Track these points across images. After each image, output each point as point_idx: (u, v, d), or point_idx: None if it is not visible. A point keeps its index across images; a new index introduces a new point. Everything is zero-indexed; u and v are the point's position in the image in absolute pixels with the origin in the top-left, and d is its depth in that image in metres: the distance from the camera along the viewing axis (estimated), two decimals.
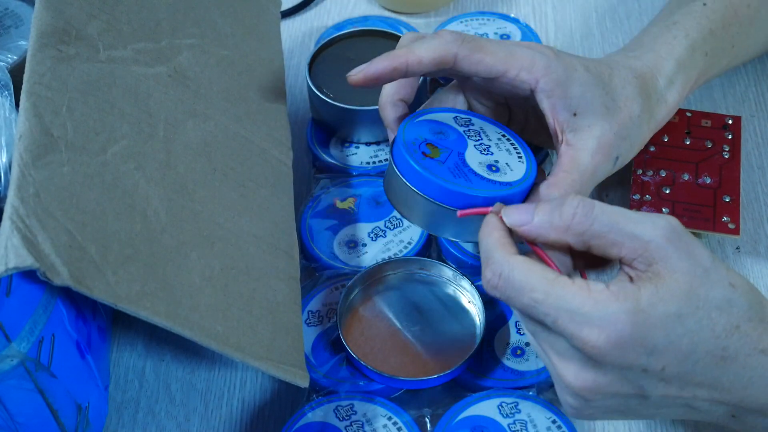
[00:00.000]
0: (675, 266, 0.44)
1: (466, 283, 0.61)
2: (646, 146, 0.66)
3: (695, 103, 0.74)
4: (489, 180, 0.54)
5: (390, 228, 0.66)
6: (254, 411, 0.60)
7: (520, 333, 0.60)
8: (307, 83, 0.71)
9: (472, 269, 0.63)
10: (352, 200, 0.68)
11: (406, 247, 0.64)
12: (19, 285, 0.48)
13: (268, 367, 0.52)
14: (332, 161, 0.70)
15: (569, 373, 0.45)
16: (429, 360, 0.58)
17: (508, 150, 0.56)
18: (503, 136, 0.58)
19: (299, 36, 0.84)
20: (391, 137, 0.58)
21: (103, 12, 0.58)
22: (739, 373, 0.44)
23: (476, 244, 0.54)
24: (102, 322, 0.60)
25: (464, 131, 0.56)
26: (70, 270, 0.45)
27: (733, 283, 0.45)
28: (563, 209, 0.46)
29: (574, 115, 0.55)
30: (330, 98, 0.69)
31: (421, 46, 0.55)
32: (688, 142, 0.67)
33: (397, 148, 0.55)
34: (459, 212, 0.51)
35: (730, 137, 0.67)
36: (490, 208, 0.49)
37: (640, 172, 0.65)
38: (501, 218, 0.48)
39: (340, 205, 0.68)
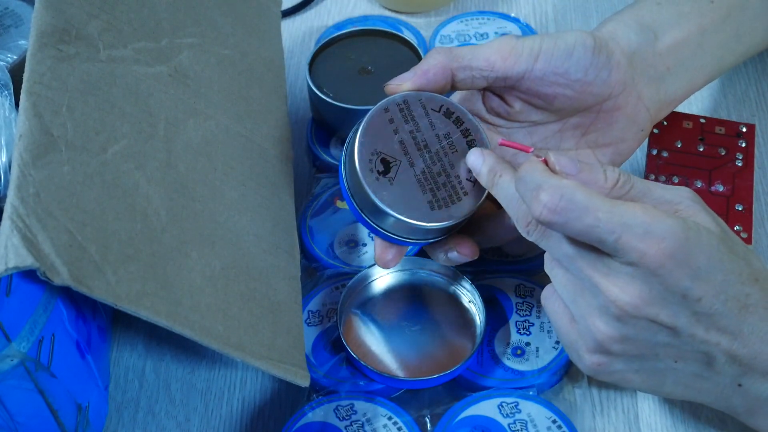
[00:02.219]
0: (704, 219, 0.47)
1: (466, 282, 0.61)
2: (659, 151, 0.66)
3: (696, 103, 0.74)
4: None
5: None
6: (254, 411, 0.60)
7: (520, 333, 0.60)
8: (308, 83, 0.71)
9: (472, 266, 0.63)
10: None
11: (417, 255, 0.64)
12: (19, 285, 0.48)
13: (269, 367, 0.52)
14: (332, 161, 0.70)
15: (615, 289, 0.46)
16: (429, 360, 0.58)
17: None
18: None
19: (299, 36, 0.84)
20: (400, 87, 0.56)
21: (103, 11, 0.58)
22: (757, 325, 0.47)
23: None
24: (102, 322, 0.60)
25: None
26: (70, 270, 0.45)
27: (743, 244, 0.48)
28: (608, 174, 0.48)
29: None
30: (330, 98, 0.69)
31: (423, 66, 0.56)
32: (701, 149, 0.67)
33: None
34: (500, 141, 0.53)
35: (743, 145, 0.67)
36: (531, 148, 0.51)
37: (652, 177, 0.65)
38: (544, 161, 0.48)
39: (340, 204, 0.67)
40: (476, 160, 0.53)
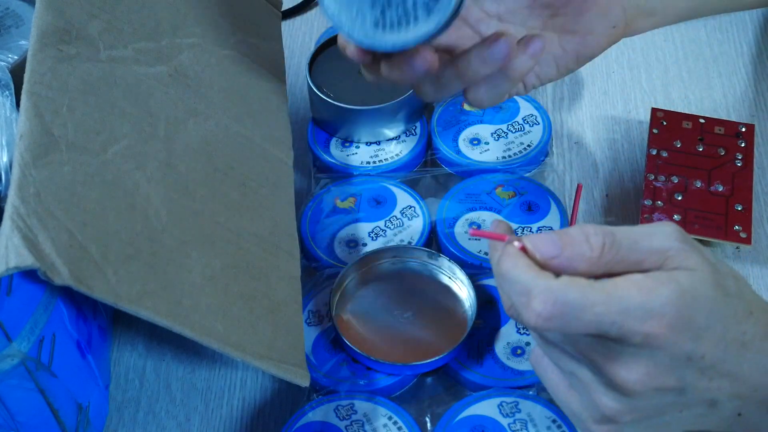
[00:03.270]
0: (695, 262, 0.44)
1: (454, 267, 0.62)
2: (658, 152, 0.66)
3: (695, 103, 0.75)
4: None
5: (390, 227, 0.66)
6: (255, 410, 0.60)
7: (520, 333, 0.60)
8: (308, 83, 0.71)
9: (471, 268, 0.63)
10: (352, 200, 0.68)
11: (401, 242, 0.64)
12: (19, 284, 0.48)
13: (269, 367, 0.52)
14: (332, 161, 0.70)
15: (622, 371, 0.44)
16: (423, 345, 0.59)
17: None
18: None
19: (299, 36, 0.84)
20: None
21: (103, 12, 0.58)
22: (755, 359, 0.45)
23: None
24: (102, 322, 0.60)
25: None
26: (71, 269, 0.45)
27: (735, 275, 0.46)
28: (592, 241, 0.44)
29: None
30: (330, 98, 0.69)
31: None
32: (701, 149, 0.67)
33: None
34: (471, 231, 0.48)
35: (743, 145, 0.67)
36: (506, 236, 0.45)
37: (652, 177, 0.65)
38: (521, 248, 0.45)
39: (340, 204, 0.68)
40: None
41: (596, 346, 0.44)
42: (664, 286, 0.43)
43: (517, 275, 0.44)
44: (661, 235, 0.45)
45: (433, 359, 0.57)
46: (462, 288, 0.61)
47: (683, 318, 0.43)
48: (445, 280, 0.62)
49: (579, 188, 0.52)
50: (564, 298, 0.42)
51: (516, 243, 0.45)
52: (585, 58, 0.57)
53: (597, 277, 0.45)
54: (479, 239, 0.64)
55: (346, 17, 0.50)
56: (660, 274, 0.44)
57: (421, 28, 0.49)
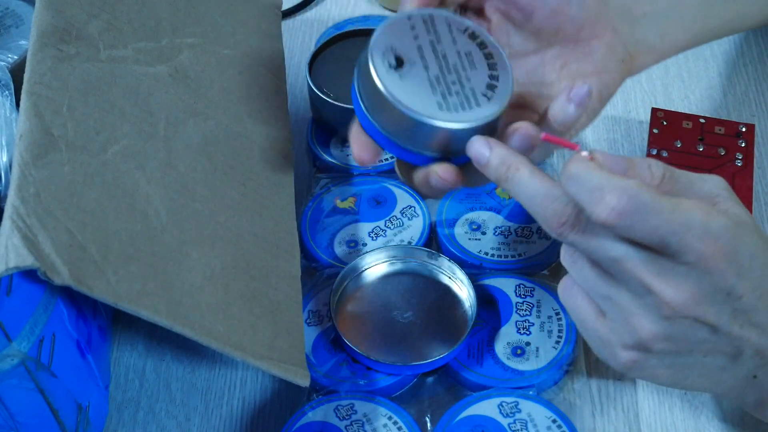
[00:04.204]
0: (740, 211, 0.47)
1: (455, 268, 0.62)
2: (659, 151, 0.66)
3: (695, 103, 0.75)
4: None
5: (390, 227, 0.66)
6: (255, 410, 0.60)
7: (520, 333, 0.60)
8: (308, 83, 0.71)
9: (471, 268, 0.63)
10: (352, 200, 0.68)
11: (401, 243, 0.64)
12: (19, 284, 0.48)
13: (269, 367, 0.52)
14: (332, 161, 0.70)
15: (670, 289, 0.45)
16: (422, 346, 0.59)
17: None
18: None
19: (299, 35, 0.84)
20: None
21: (103, 11, 0.58)
22: None
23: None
24: (102, 322, 0.60)
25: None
26: (71, 269, 0.45)
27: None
28: (653, 170, 0.47)
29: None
30: (330, 98, 0.69)
31: None
32: (701, 149, 0.67)
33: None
34: (543, 135, 0.50)
35: (743, 145, 0.67)
36: (578, 145, 0.48)
37: None
38: (591, 158, 0.46)
39: (340, 204, 0.68)
40: (481, 148, 0.50)
41: (648, 264, 0.45)
42: (723, 217, 0.45)
43: (588, 174, 0.45)
44: (711, 182, 0.47)
45: (433, 359, 0.57)
46: (462, 288, 0.61)
47: (733, 249, 0.44)
48: (445, 280, 0.62)
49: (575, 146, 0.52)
50: (638, 196, 0.43)
51: (585, 153, 0.46)
52: (606, 96, 0.58)
53: None
54: (479, 239, 0.64)
55: (410, 103, 0.50)
56: (710, 203, 0.46)
57: (484, 110, 0.51)
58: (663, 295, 0.45)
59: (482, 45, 0.53)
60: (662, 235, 0.44)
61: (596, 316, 0.48)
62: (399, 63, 0.51)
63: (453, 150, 0.51)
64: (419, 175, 0.53)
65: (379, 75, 0.50)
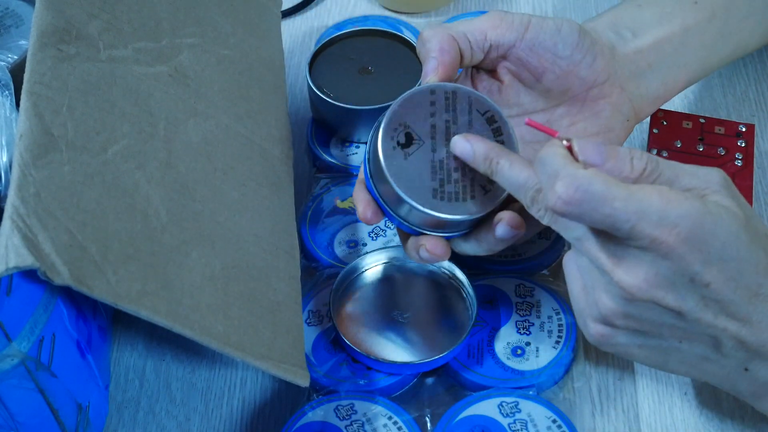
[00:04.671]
0: (730, 203, 0.46)
1: (454, 269, 0.62)
2: (659, 151, 0.66)
3: (695, 103, 0.74)
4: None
5: (390, 227, 0.66)
6: (255, 410, 0.60)
7: (520, 333, 0.60)
8: (308, 83, 0.71)
9: (471, 268, 0.63)
10: (352, 200, 0.68)
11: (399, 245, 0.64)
12: (19, 284, 0.48)
13: (269, 367, 0.52)
14: (332, 161, 0.70)
15: (620, 271, 0.46)
16: (423, 345, 0.59)
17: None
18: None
19: (299, 35, 0.84)
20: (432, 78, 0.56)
21: (103, 11, 0.58)
22: None
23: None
24: (102, 322, 0.60)
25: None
26: (71, 269, 0.45)
27: (766, 232, 0.47)
28: (634, 163, 0.47)
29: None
30: (330, 98, 0.69)
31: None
32: (701, 149, 0.67)
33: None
34: (527, 120, 0.51)
35: (743, 145, 0.67)
36: (557, 132, 0.49)
37: None
38: (568, 147, 0.47)
39: (340, 204, 0.68)
40: (463, 147, 0.52)
41: (606, 245, 0.46)
42: (687, 201, 0.44)
43: (550, 160, 0.46)
44: (705, 175, 0.47)
45: (433, 359, 0.57)
46: (462, 287, 0.61)
47: (697, 237, 0.44)
48: (445, 280, 0.62)
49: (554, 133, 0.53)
50: (587, 186, 0.44)
51: (564, 141, 0.47)
52: None
53: None
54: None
55: (405, 184, 0.53)
56: (688, 192, 0.45)
57: (476, 205, 0.53)
58: (616, 276, 0.46)
59: (497, 132, 0.54)
60: (612, 222, 0.44)
61: (581, 287, 0.50)
62: (408, 142, 0.53)
63: (442, 230, 0.54)
64: (411, 242, 0.56)
65: (384, 152, 0.53)
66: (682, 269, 0.45)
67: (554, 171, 0.45)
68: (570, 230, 0.47)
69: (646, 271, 0.45)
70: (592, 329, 0.49)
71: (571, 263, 0.51)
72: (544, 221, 0.49)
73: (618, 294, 0.46)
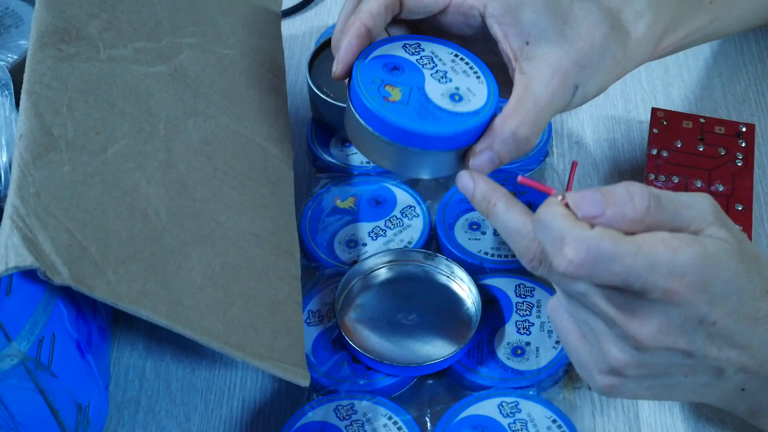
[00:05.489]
0: (724, 235, 0.46)
1: (457, 269, 0.62)
2: (659, 151, 0.66)
3: (695, 103, 0.74)
4: (456, 113, 0.53)
5: (390, 227, 0.66)
6: (255, 410, 0.60)
7: (520, 333, 0.60)
8: (308, 82, 0.71)
9: (471, 268, 0.63)
10: (352, 200, 0.68)
11: (406, 247, 0.64)
12: (19, 284, 0.48)
13: (269, 366, 0.52)
14: (332, 160, 0.70)
15: (635, 322, 0.45)
16: (428, 348, 0.59)
17: (464, 71, 0.56)
18: (456, 55, 0.57)
19: (299, 35, 0.84)
20: (340, 68, 0.56)
21: (103, 11, 0.58)
22: (766, 336, 0.47)
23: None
24: (102, 322, 0.60)
25: (417, 60, 0.55)
26: (71, 269, 0.45)
27: (757, 254, 0.48)
28: (635, 202, 0.45)
29: (527, 43, 0.54)
30: (330, 97, 0.69)
31: (367, 2, 0.55)
32: (701, 149, 0.67)
33: (357, 97, 0.54)
34: (520, 178, 0.51)
35: (743, 145, 0.67)
36: (553, 190, 0.48)
37: (652, 177, 0.65)
38: (565, 203, 0.46)
39: (340, 204, 0.68)
40: (466, 184, 0.52)
41: (614, 299, 0.45)
42: (690, 248, 0.44)
43: (552, 222, 0.45)
44: (700, 206, 0.46)
45: (437, 361, 0.57)
46: (464, 287, 0.61)
47: (703, 281, 0.44)
48: (446, 280, 0.62)
49: (574, 165, 0.53)
50: (597, 247, 0.43)
51: (560, 197, 0.46)
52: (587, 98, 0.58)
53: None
54: (479, 239, 0.64)
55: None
56: (687, 236, 0.45)
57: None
58: (629, 329, 0.45)
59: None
60: (625, 279, 0.44)
61: (578, 337, 0.49)
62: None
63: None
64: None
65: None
66: (692, 314, 0.45)
67: (560, 235, 0.44)
68: (573, 286, 0.46)
69: (659, 321, 0.45)
70: (601, 382, 0.48)
71: (559, 313, 0.50)
72: (538, 273, 0.48)
73: (631, 345, 0.46)
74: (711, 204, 0.47)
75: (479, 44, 0.58)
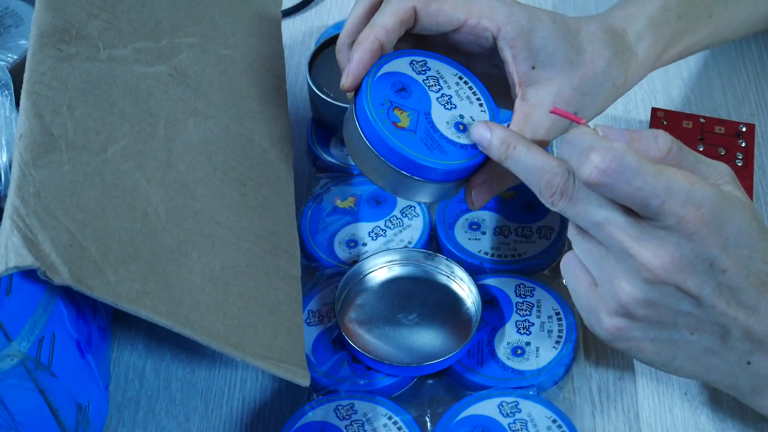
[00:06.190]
0: (740, 194, 0.48)
1: (457, 269, 0.62)
2: None
3: (695, 103, 0.74)
4: (461, 146, 0.55)
5: (390, 227, 0.66)
6: (255, 410, 0.60)
7: (520, 333, 0.60)
8: (308, 82, 0.71)
9: (471, 267, 0.63)
10: (352, 200, 0.68)
11: (406, 247, 0.64)
12: (19, 284, 0.48)
13: (269, 366, 0.52)
14: (332, 160, 0.70)
15: (647, 252, 0.46)
16: (427, 347, 0.59)
17: (468, 98, 0.57)
18: (460, 78, 0.58)
19: (299, 35, 0.84)
20: (350, 82, 0.56)
21: (103, 11, 0.58)
22: None
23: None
24: (102, 322, 0.60)
25: (424, 80, 0.56)
26: (71, 269, 0.45)
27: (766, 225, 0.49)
28: (660, 143, 0.48)
29: (533, 68, 0.55)
30: (330, 97, 0.69)
31: (381, 16, 0.55)
32: (701, 149, 0.67)
33: (365, 117, 0.54)
34: (552, 108, 0.53)
35: (743, 145, 0.67)
36: (583, 119, 0.51)
37: None
38: (594, 130, 0.48)
39: (340, 204, 0.68)
40: (483, 132, 0.53)
41: (629, 228, 0.47)
42: (708, 186, 0.46)
43: (582, 137, 0.47)
44: (719, 167, 0.49)
45: (437, 361, 0.57)
46: (464, 287, 0.61)
47: (717, 220, 0.45)
48: (446, 280, 0.62)
49: (580, 120, 0.53)
50: (622, 157, 0.45)
51: (590, 125, 0.49)
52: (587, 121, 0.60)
53: None
54: (479, 239, 0.64)
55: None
56: (707, 180, 0.47)
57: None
58: (642, 259, 0.46)
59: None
60: (644, 196, 0.45)
61: (589, 285, 0.50)
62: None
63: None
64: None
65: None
66: (703, 253, 0.46)
67: (587, 145, 0.46)
68: (590, 214, 0.48)
69: (672, 253, 0.46)
70: (608, 323, 0.49)
71: (572, 263, 0.51)
72: (557, 207, 0.49)
73: (642, 278, 0.47)
74: (729, 170, 0.49)
75: (484, 60, 0.59)
